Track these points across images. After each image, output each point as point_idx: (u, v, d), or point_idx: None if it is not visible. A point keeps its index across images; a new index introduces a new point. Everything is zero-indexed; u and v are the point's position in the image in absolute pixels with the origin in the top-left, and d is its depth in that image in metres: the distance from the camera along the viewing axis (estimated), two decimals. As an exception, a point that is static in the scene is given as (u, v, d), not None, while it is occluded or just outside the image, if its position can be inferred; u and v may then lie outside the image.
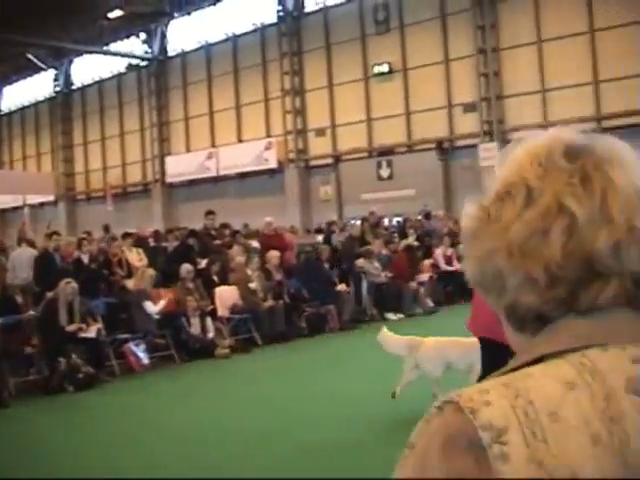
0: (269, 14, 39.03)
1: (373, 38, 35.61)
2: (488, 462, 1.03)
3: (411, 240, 23.03)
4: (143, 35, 44.38)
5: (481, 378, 6.21)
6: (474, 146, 31.75)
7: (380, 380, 10.45)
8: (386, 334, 9.71)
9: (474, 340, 7.59)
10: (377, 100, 35.39)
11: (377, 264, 20.31)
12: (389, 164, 34.91)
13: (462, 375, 8.90)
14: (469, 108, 32.48)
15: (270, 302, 17.06)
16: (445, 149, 33.54)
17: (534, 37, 30.74)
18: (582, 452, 1.03)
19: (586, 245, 1.12)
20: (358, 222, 24.01)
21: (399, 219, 28.92)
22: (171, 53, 44.27)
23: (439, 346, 9.24)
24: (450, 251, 22.37)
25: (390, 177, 34.63)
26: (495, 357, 5.08)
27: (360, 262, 19.93)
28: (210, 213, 20.25)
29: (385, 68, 34.93)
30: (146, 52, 44.47)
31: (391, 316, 19.31)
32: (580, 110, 29.08)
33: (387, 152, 35.36)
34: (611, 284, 1.13)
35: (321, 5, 37.61)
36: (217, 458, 8.32)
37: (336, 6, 36.96)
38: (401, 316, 19.52)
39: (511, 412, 1.05)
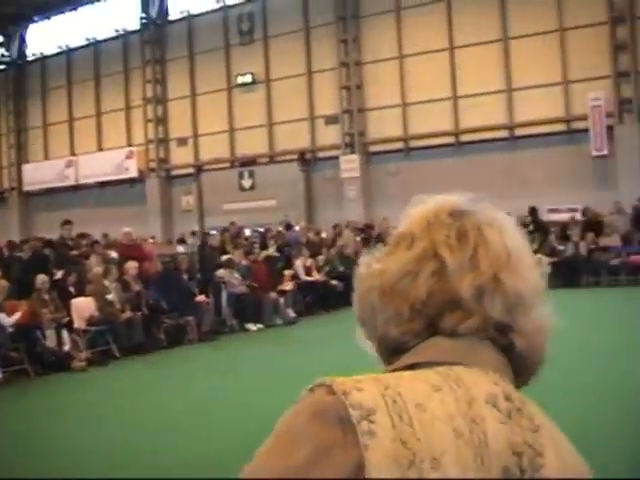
0: (132, 21, 38.05)
1: (237, 48, 35.20)
2: (356, 436, 1.10)
3: (271, 251, 22.73)
4: (1, 38, 42.57)
5: None
6: (336, 158, 31.75)
7: (238, 392, 10.02)
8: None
9: None
10: (240, 110, 34.96)
11: (237, 274, 19.89)
12: (251, 175, 34.50)
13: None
14: (331, 120, 32.44)
15: (128, 313, 16.35)
16: (307, 160, 33.37)
17: (396, 52, 31.04)
18: (445, 441, 1.11)
19: (452, 288, 1.24)
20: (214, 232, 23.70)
21: (260, 229, 28.57)
22: (30, 57, 42.57)
23: None
24: (310, 262, 22.11)
25: (252, 187, 34.24)
26: None
27: (221, 272, 19.49)
28: (67, 223, 19.41)
29: (248, 79, 34.59)
30: (4, 55, 42.59)
31: (251, 327, 18.88)
32: (439, 124, 29.63)
33: (249, 163, 34.96)
34: (473, 318, 1.23)
35: (185, 13, 36.89)
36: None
37: (200, 15, 36.37)
38: (261, 327, 19.10)
39: (380, 398, 1.13)
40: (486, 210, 1.33)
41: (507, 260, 1.26)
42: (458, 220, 1.30)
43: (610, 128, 26.94)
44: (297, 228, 26.38)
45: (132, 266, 17.56)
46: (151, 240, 25.67)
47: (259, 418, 8.70)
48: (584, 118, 27.34)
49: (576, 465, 1.23)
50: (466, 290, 1.23)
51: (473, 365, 1.21)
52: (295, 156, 33.31)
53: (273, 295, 20.03)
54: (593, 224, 23.64)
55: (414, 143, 30.73)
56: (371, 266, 1.33)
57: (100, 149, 39.55)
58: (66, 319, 15.44)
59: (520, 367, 1.28)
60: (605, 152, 26.99)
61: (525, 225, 24.17)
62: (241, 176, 34.87)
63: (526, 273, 1.29)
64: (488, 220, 1.30)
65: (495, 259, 1.25)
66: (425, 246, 1.27)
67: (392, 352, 1.29)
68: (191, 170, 36.81)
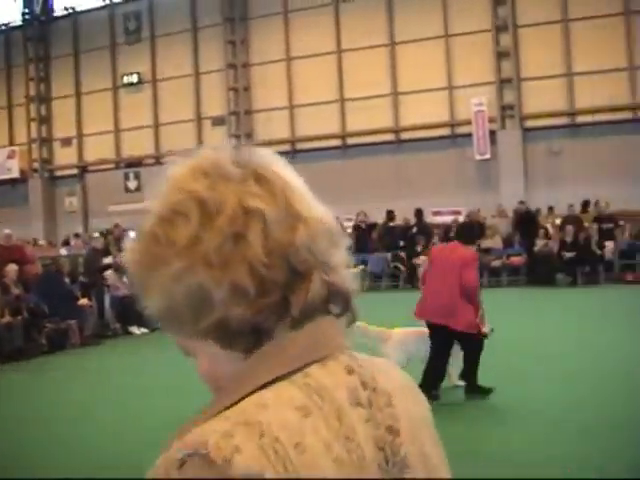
0: (14, 16, 36.70)
1: (123, 47, 34.36)
2: None
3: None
4: None
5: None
6: (223, 159, 31.22)
7: (123, 398, 9.65)
8: (367, 328, 8.93)
9: (426, 330, 8.82)
10: (126, 111, 34.13)
11: (126, 278, 19.25)
12: (137, 176, 33.62)
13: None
14: (218, 121, 31.97)
15: (7, 318, 15.58)
16: (193, 162, 32.66)
17: (283, 54, 30.82)
18: (330, 476, 1.06)
19: (285, 242, 1.12)
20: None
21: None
22: None
23: (403, 338, 9.23)
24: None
25: (138, 189, 33.31)
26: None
27: (108, 274, 18.88)
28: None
29: (134, 78, 33.83)
30: None
31: (135, 330, 18.24)
32: (326, 127, 29.59)
33: (135, 164, 34.15)
34: (314, 282, 1.14)
35: (70, 10, 35.75)
36: None
37: (86, 12, 35.33)
38: (145, 330, 18.46)
39: (261, 454, 1.03)
40: (263, 152, 1.23)
41: (309, 197, 1.21)
42: (247, 167, 1.17)
43: (493, 133, 27.39)
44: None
45: (12, 269, 16.82)
46: (33, 242, 24.69)
47: (141, 425, 8.40)
48: (468, 123, 27.73)
49: (422, 415, 1.27)
50: (300, 243, 1.13)
51: (326, 357, 1.17)
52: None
53: (157, 298, 19.43)
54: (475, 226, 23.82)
55: (301, 145, 30.53)
56: (154, 247, 1.14)
57: (-20, 148, 38.01)
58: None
59: (338, 302, 1.21)
60: (488, 156, 27.42)
61: (410, 227, 24.28)
62: (126, 177, 34.02)
63: (319, 206, 1.23)
64: (273, 161, 1.22)
65: (304, 199, 1.19)
66: (232, 204, 1.12)
67: (241, 335, 1.13)
68: (75, 171, 35.77)
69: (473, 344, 8.65)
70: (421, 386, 8.01)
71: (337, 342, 1.19)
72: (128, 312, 18.74)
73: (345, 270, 1.22)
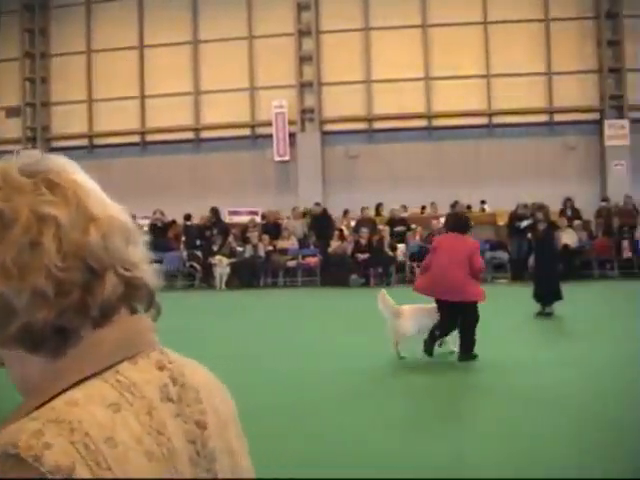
0: None
1: None
2: None
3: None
4: None
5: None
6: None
7: None
8: (386, 296, 10.53)
9: (433, 306, 10.20)
10: None
11: None
12: None
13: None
14: (12, 113, 30.10)
15: None
16: (-9, 154, 30.71)
17: (85, 46, 29.46)
18: (142, 470, 1.08)
19: (79, 243, 1.13)
20: None
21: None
22: None
23: (415, 313, 10.35)
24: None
25: None
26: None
27: None
28: None
29: None
30: None
31: None
32: (124, 123, 28.56)
33: None
34: (109, 279, 1.14)
35: None
36: None
37: None
38: None
39: (72, 449, 1.03)
40: (53, 157, 1.22)
41: (102, 197, 1.22)
42: (35, 175, 1.16)
43: (293, 135, 27.33)
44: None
45: None
46: None
47: None
48: (269, 124, 27.54)
49: (229, 411, 1.31)
50: (93, 242, 1.14)
51: (137, 354, 1.19)
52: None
53: None
54: (272, 227, 23.69)
55: (99, 140, 29.25)
56: None
57: None
58: None
59: (142, 298, 1.23)
60: (287, 158, 27.35)
61: (208, 227, 23.79)
62: None
63: (114, 205, 1.23)
64: (65, 166, 1.21)
65: (97, 200, 1.19)
66: (25, 213, 1.12)
67: (46, 338, 1.12)
68: None
69: (475, 314, 9.97)
70: (427, 340, 9.68)
71: (147, 339, 1.22)
72: None
73: (146, 266, 1.23)
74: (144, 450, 1.09)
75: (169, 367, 1.21)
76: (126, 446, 1.07)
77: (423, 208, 25.45)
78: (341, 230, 23.04)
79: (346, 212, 24.77)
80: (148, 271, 1.22)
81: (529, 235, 21.94)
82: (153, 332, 1.24)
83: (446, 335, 10.27)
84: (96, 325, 1.14)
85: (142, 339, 1.21)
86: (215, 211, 24.25)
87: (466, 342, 9.93)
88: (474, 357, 9.85)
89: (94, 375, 1.13)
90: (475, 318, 9.95)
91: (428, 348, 9.93)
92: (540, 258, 14.75)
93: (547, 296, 13.93)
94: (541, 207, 16.01)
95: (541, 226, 15.22)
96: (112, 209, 1.20)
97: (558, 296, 13.79)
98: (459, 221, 11.09)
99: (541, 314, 13.96)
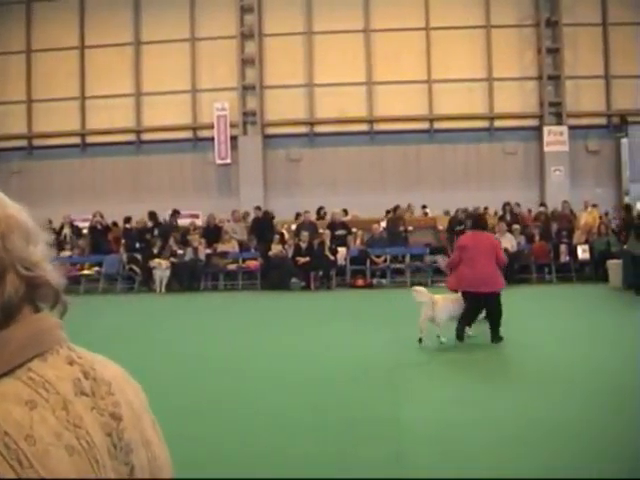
0: None
1: None
2: None
3: None
4: None
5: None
6: None
7: None
8: (422, 289, 11.70)
9: (459, 296, 11.25)
10: None
11: None
12: None
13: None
14: None
15: None
16: None
17: (24, 46, 28.82)
18: (63, 465, 1.08)
19: None
20: None
21: None
22: None
23: (447, 302, 11.27)
24: None
25: None
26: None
27: None
28: None
29: None
30: None
31: None
32: (65, 124, 28.05)
33: None
34: (9, 279, 1.14)
35: None
36: None
37: None
38: None
39: None
40: None
41: (5, 200, 1.22)
42: None
43: (234, 138, 27.09)
44: None
45: None
46: None
47: None
48: (210, 127, 27.27)
49: (141, 403, 1.30)
50: None
51: (47, 350, 1.18)
52: None
53: None
54: (213, 230, 23.41)
55: (39, 142, 28.70)
56: None
57: None
58: None
59: (47, 296, 1.23)
60: (229, 161, 27.12)
61: (148, 230, 23.42)
62: None
63: (13, 205, 1.23)
64: None
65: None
66: None
67: None
68: None
69: (499, 301, 11.15)
70: (458, 328, 10.98)
71: (55, 336, 1.21)
72: None
73: (47, 265, 1.22)
74: (64, 445, 1.09)
75: (79, 362, 1.21)
76: (46, 442, 1.08)
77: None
78: (281, 233, 22.83)
79: (298, 215, 24.36)
80: (50, 270, 1.22)
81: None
82: (60, 329, 1.23)
83: (472, 322, 11.46)
84: (0, 326, 1.14)
85: (50, 336, 1.20)
86: (153, 215, 23.92)
87: (497, 326, 11.05)
88: (502, 338, 11.02)
89: (5, 374, 1.12)
90: (500, 303, 11.16)
91: (460, 334, 11.08)
92: None
93: None
94: (469, 215, 16.23)
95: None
96: (11, 209, 1.19)
97: None
98: (480, 220, 12.51)
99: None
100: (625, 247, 19.12)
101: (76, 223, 24.52)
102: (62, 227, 23.84)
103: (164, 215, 24.23)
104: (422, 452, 5.85)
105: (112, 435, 1.17)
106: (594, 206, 23.47)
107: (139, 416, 1.26)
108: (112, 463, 1.15)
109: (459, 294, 11.32)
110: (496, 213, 23.45)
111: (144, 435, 1.26)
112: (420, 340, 10.92)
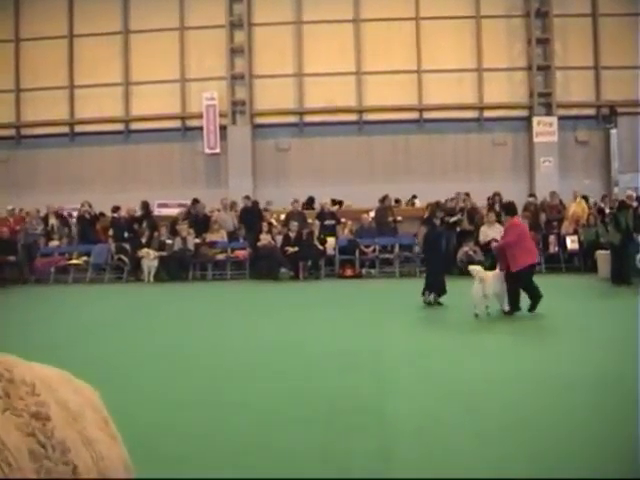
0: None
1: None
2: None
3: None
4: None
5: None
6: None
7: None
8: (478, 268, 13.56)
9: (501, 273, 13.09)
10: None
11: None
12: None
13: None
14: None
15: None
16: None
17: (12, 35, 28.45)
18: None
19: None
20: None
21: None
22: None
23: (494, 279, 12.99)
24: None
25: None
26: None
27: None
28: None
29: None
30: None
31: None
32: (54, 113, 27.78)
33: None
34: None
35: None
36: None
37: None
38: None
39: None
40: None
41: None
42: None
43: (223, 128, 26.86)
44: None
45: None
46: None
47: None
48: (199, 116, 27.03)
49: (84, 402, 1.26)
50: None
51: None
52: None
53: None
54: (201, 219, 23.22)
55: (26, 131, 28.38)
56: None
57: None
58: None
59: None
60: (218, 150, 26.88)
61: (137, 219, 23.23)
62: None
63: None
64: None
65: None
66: None
67: None
68: None
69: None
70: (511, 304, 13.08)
71: None
72: None
73: None
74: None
75: None
76: None
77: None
78: (270, 223, 22.67)
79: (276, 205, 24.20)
80: None
81: (458, 229, 22.02)
82: None
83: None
84: None
85: None
86: (145, 204, 23.74)
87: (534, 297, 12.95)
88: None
89: None
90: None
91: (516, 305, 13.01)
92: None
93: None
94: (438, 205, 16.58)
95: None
96: None
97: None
98: (513, 206, 14.31)
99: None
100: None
101: (64, 212, 24.30)
102: (47, 217, 23.63)
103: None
104: (409, 444, 5.71)
105: (36, 435, 1.12)
106: (584, 197, 23.34)
107: (77, 415, 1.22)
108: (37, 464, 1.10)
109: (500, 272, 13.07)
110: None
111: (84, 434, 1.21)
112: (476, 315, 12.42)
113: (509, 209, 14.07)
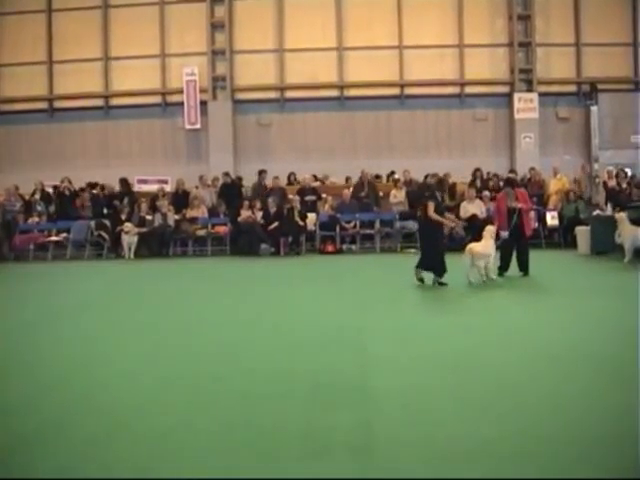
0: None
1: None
2: None
3: None
4: None
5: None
6: None
7: None
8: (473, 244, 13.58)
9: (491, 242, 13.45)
10: None
11: None
12: None
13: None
14: None
15: None
16: None
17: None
18: None
19: None
20: None
21: None
22: None
23: (482, 249, 13.21)
24: None
25: None
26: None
27: None
28: None
29: None
30: None
31: None
32: (32, 89, 27.32)
33: None
34: None
35: None
36: None
37: None
38: None
39: None
40: None
41: None
42: None
43: (204, 103, 26.52)
44: None
45: None
46: None
47: None
48: (180, 92, 26.64)
49: None
50: None
51: None
52: None
53: None
54: (181, 196, 22.97)
55: (4, 107, 27.87)
56: None
57: None
58: None
59: None
60: (198, 126, 26.52)
61: (116, 196, 22.95)
62: None
63: None
64: None
65: None
66: None
67: None
68: None
69: None
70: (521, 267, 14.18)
71: None
72: None
73: None
74: None
75: None
76: None
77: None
78: (251, 199, 22.43)
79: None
80: None
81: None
82: None
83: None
84: None
85: None
86: (124, 181, 23.46)
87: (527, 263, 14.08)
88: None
89: None
90: None
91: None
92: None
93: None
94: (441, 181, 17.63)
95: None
96: None
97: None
98: (515, 179, 17.16)
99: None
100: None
101: (46, 189, 23.95)
102: (34, 193, 23.36)
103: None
104: (393, 417, 5.54)
105: None
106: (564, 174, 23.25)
107: None
108: None
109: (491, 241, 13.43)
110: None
111: None
112: (470, 283, 12.86)
113: (512, 182, 15.21)
